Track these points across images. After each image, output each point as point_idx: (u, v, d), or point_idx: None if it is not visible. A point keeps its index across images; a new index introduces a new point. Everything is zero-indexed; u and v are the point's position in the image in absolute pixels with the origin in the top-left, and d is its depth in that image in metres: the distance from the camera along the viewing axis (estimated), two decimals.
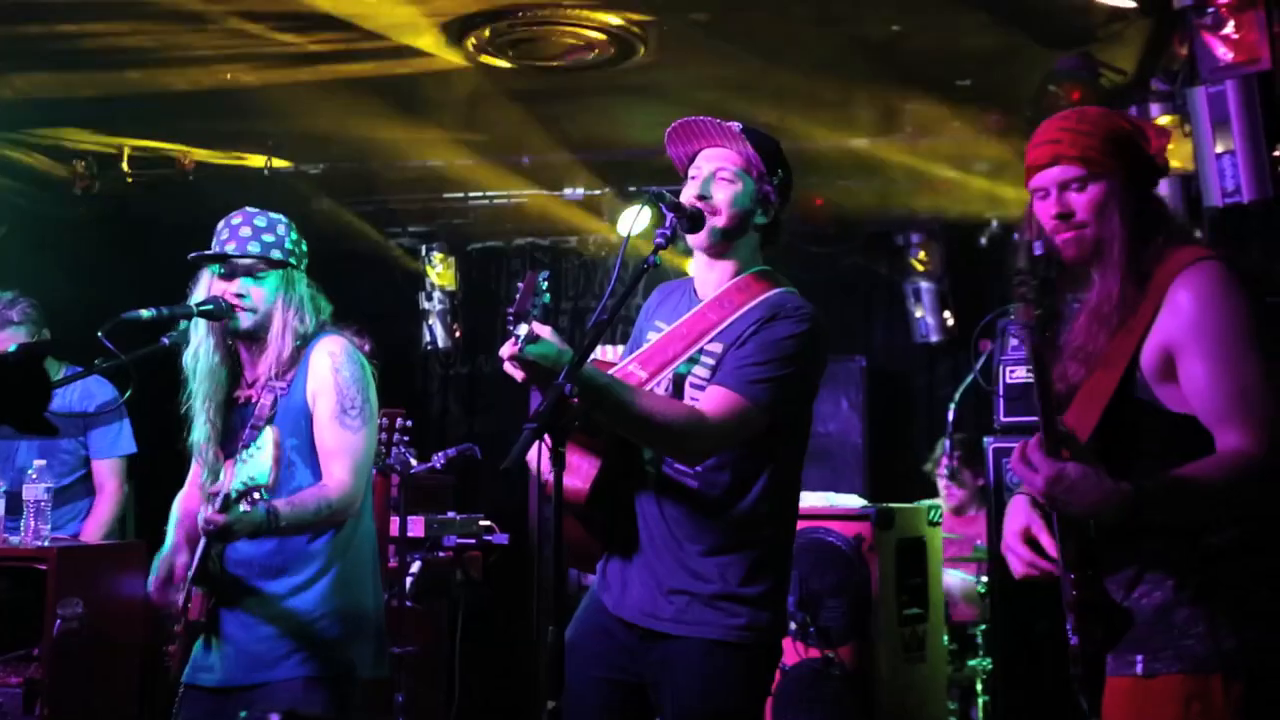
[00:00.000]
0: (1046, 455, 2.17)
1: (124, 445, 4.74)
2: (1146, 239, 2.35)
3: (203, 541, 2.97)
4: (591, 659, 2.79)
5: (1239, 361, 2.23)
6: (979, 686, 5.05)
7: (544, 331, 2.42)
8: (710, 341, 2.75)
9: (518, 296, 2.41)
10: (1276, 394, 2.22)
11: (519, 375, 2.45)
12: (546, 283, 2.44)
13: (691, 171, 2.81)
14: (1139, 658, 2.28)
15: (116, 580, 4.00)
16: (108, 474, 4.71)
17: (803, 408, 2.83)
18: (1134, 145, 2.40)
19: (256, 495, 2.81)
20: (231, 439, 3.13)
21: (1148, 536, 2.28)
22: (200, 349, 3.17)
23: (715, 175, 2.76)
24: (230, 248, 3.12)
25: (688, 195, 2.76)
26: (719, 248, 2.79)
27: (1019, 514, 2.44)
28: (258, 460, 2.79)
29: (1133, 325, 2.31)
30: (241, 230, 3.13)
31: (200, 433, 3.16)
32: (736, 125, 2.77)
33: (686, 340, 2.77)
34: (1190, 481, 2.19)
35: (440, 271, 7.87)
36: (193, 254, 3.17)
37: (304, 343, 3.14)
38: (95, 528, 4.62)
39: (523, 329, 2.37)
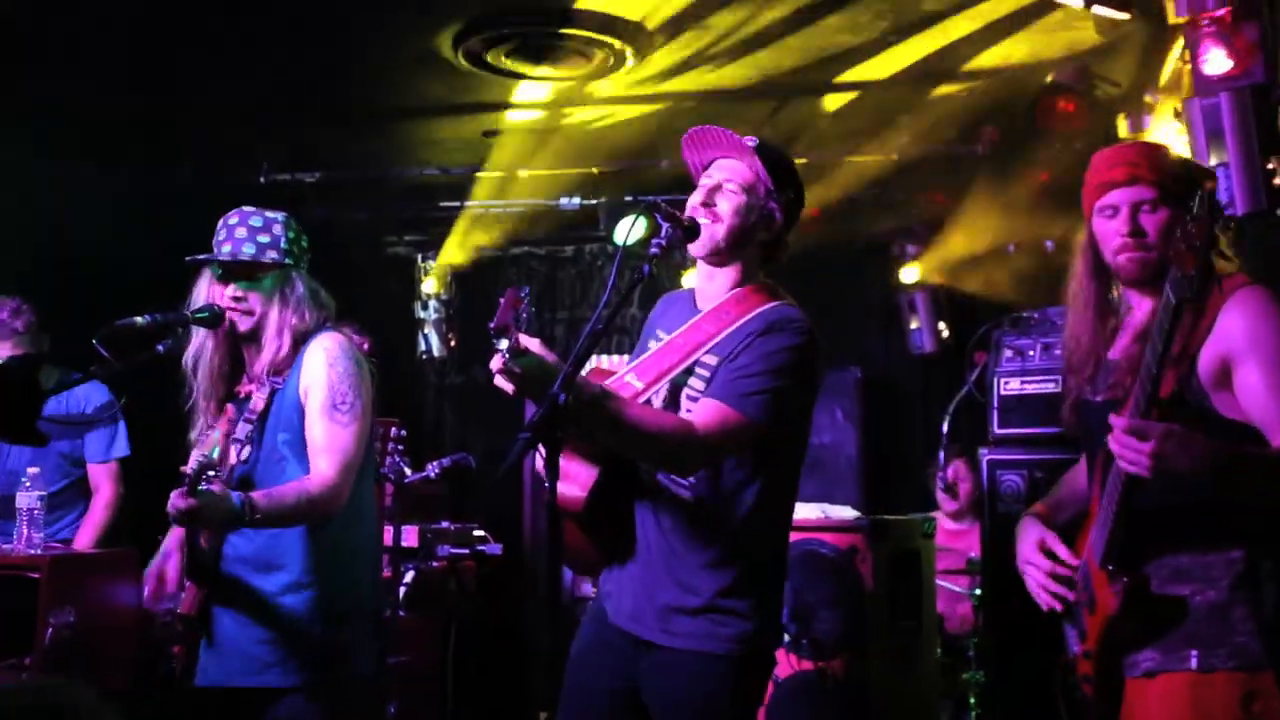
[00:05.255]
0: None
1: (119, 448, 4.74)
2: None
3: (185, 532, 2.98)
4: (594, 670, 2.79)
5: None
6: (972, 699, 5.04)
7: (532, 344, 2.41)
8: (706, 353, 2.74)
9: (498, 312, 2.39)
10: None
11: (509, 388, 2.42)
12: (527, 298, 2.42)
13: (702, 179, 2.82)
14: (1193, 653, 2.35)
15: (109, 588, 3.98)
16: (104, 478, 4.72)
17: (798, 420, 2.81)
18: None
19: (212, 472, 2.82)
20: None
21: (1195, 534, 2.37)
22: (201, 349, 3.18)
23: (722, 186, 2.77)
24: (225, 250, 3.12)
25: (693, 200, 2.77)
26: (718, 258, 2.79)
27: (1031, 530, 2.56)
28: (211, 440, 2.80)
29: (1190, 339, 2.40)
30: (237, 232, 3.13)
31: (199, 430, 3.16)
32: (752, 140, 2.78)
33: (683, 351, 2.76)
34: (1272, 458, 2.30)
35: (435, 280, 7.87)
36: (189, 257, 3.18)
37: (303, 339, 3.13)
38: (92, 531, 4.62)
39: (503, 343, 2.35)
